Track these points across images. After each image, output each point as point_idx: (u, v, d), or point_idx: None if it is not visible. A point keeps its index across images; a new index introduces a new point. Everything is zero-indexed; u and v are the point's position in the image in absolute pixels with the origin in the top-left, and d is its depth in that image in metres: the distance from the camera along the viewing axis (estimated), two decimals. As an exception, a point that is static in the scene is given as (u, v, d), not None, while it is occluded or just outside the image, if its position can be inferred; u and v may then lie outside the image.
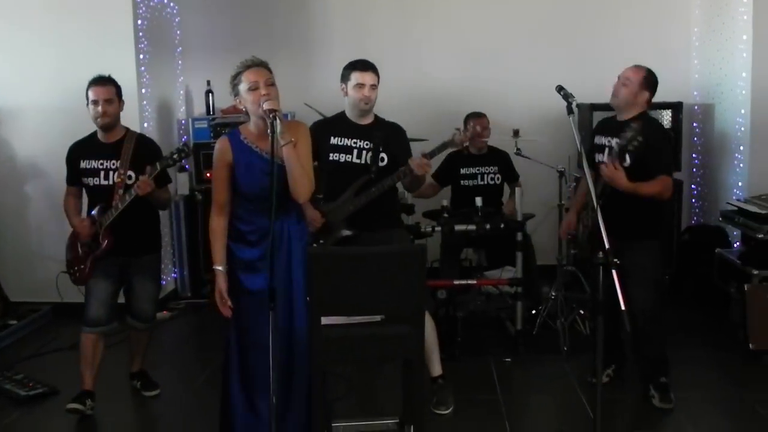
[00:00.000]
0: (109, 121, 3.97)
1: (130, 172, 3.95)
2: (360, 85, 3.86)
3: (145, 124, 5.74)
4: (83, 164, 4.01)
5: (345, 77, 3.92)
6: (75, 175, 4.07)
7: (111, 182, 3.96)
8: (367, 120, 3.98)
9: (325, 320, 3.06)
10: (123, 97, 4.07)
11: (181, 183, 6.25)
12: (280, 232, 3.23)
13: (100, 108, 3.91)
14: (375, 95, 3.91)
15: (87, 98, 3.94)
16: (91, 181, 4.01)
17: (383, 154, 3.93)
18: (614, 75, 6.11)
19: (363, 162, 3.91)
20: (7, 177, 5.79)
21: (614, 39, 6.32)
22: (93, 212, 3.98)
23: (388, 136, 3.96)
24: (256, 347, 3.18)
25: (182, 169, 6.29)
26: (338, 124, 3.98)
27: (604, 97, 5.88)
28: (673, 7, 6.36)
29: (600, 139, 4.04)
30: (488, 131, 5.28)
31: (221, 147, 3.25)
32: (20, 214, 5.82)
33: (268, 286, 2.80)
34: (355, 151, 3.91)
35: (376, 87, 3.91)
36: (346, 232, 3.88)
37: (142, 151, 4.02)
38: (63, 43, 5.57)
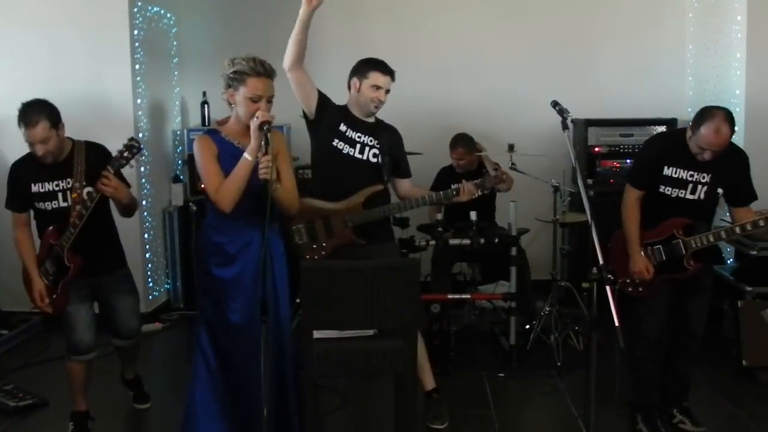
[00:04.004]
0: (54, 158, 3.66)
1: (88, 189, 3.64)
2: (378, 87, 3.78)
3: (140, 135, 5.73)
4: (35, 188, 3.70)
5: (361, 73, 3.81)
6: (26, 200, 3.76)
7: (69, 203, 3.70)
8: (370, 118, 3.91)
9: (317, 334, 3.05)
10: (63, 119, 3.68)
11: (175, 194, 6.24)
12: (260, 243, 3.16)
13: (37, 151, 3.59)
14: (386, 100, 3.86)
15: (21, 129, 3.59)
16: (49, 205, 3.71)
17: (386, 157, 3.89)
18: (609, 91, 6.23)
19: (365, 158, 3.81)
20: (1, 188, 5.76)
21: (610, 55, 6.38)
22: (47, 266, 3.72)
23: (390, 138, 3.93)
24: (228, 331, 3.17)
25: (176, 180, 6.28)
26: (346, 113, 3.87)
27: (599, 113, 5.99)
28: (667, 25, 6.40)
29: (678, 172, 3.59)
30: (467, 158, 5.34)
31: (204, 142, 3.19)
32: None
33: (261, 299, 2.77)
34: (358, 146, 3.81)
35: (389, 92, 3.85)
36: (357, 240, 3.80)
37: (93, 161, 3.72)
38: (58, 53, 5.56)
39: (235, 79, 3.12)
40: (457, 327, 5.13)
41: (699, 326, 3.73)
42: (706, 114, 3.47)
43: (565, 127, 3.13)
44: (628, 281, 3.72)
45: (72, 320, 3.78)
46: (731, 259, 5.45)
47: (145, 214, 5.88)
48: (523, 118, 6.17)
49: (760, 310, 4.57)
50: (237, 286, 3.15)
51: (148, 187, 5.93)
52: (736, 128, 3.57)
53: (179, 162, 6.36)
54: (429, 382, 4.06)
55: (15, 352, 5.25)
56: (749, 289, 4.71)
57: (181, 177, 6.31)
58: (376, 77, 3.78)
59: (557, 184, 5.07)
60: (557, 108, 3.20)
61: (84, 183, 3.69)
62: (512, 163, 5.06)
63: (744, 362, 4.52)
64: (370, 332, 3.17)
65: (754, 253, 4.77)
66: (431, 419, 3.96)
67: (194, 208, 6.14)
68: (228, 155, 3.14)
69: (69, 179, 3.70)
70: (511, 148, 5.04)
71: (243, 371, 3.14)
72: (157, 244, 6.15)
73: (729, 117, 3.47)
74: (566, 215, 5.21)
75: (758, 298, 4.67)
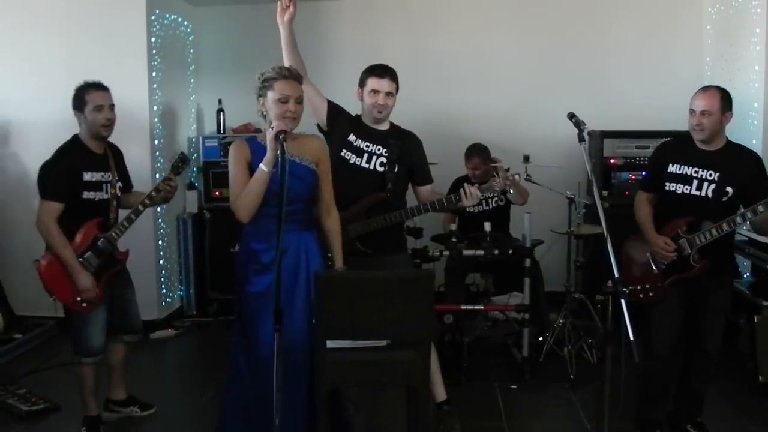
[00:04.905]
0: (112, 130, 3.82)
1: (119, 184, 3.90)
2: (375, 92, 3.75)
3: (155, 141, 5.76)
4: (87, 176, 3.73)
5: (361, 81, 3.81)
6: (73, 190, 3.70)
7: (108, 195, 3.82)
8: (383, 126, 3.88)
9: (330, 344, 3.04)
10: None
11: (189, 201, 6.26)
12: (297, 249, 3.20)
13: (107, 114, 3.76)
14: (392, 103, 3.79)
15: (83, 103, 3.74)
16: (96, 195, 3.77)
17: (397, 165, 3.83)
18: (625, 102, 6.20)
19: (372, 168, 3.79)
20: (16, 191, 5.81)
21: (626, 66, 6.36)
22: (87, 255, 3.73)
23: (404, 145, 3.86)
24: (260, 340, 3.15)
25: (191, 187, 6.30)
26: (357, 123, 3.87)
27: (615, 125, 5.96)
28: (684, 36, 6.37)
29: (683, 169, 3.62)
30: (482, 168, 5.30)
31: (238, 147, 3.21)
32: (29, 228, 5.73)
33: (274, 310, 2.75)
34: (366, 155, 3.79)
35: (392, 95, 3.79)
36: (362, 249, 3.75)
37: (118, 158, 3.97)
38: (76, 59, 5.60)
39: (264, 86, 3.16)
40: (469, 338, 5.11)
41: (713, 344, 3.68)
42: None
43: (581, 139, 3.11)
44: (639, 288, 3.69)
45: (90, 321, 3.80)
46: (748, 273, 5.40)
47: (160, 221, 5.90)
48: (539, 129, 6.17)
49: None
50: (271, 294, 3.13)
51: (161, 209, 5.94)
52: (733, 108, 3.59)
53: (194, 169, 6.39)
54: (440, 393, 4.02)
55: (28, 356, 5.27)
56: (766, 303, 4.65)
57: (196, 184, 6.33)
58: (371, 82, 3.77)
59: (572, 196, 5.05)
60: (574, 120, 3.18)
61: (116, 178, 3.86)
62: (527, 174, 5.04)
63: (760, 378, 4.46)
64: (383, 343, 3.15)
65: (771, 267, 4.73)
66: (443, 431, 3.93)
67: (208, 215, 6.17)
68: (261, 160, 3.13)
69: (109, 173, 3.82)
70: (526, 159, 5.03)
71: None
72: (171, 251, 6.16)
73: (720, 88, 3.57)
74: (581, 227, 5.19)
75: (775, 312, 4.63)
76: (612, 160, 5.92)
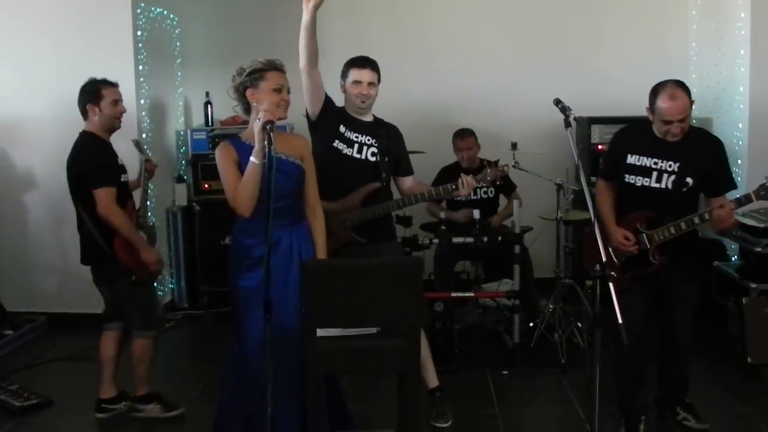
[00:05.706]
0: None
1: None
2: (357, 82, 3.79)
3: (143, 135, 5.74)
4: (119, 161, 4.00)
5: (343, 73, 3.86)
6: (115, 173, 3.94)
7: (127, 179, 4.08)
8: (367, 118, 3.91)
9: (320, 332, 3.05)
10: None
11: (178, 194, 6.25)
12: (290, 243, 3.22)
13: (121, 109, 4.00)
14: (374, 93, 3.83)
15: (99, 97, 3.92)
16: (127, 178, 4.06)
17: (385, 156, 3.87)
18: (612, 88, 6.21)
19: (363, 158, 3.82)
20: (4, 186, 5.78)
21: (613, 52, 6.37)
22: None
23: (389, 136, 3.91)
24: (255, 334, 3.14)
25: (180, 180, 6.29)
26: (344, 114, 3.89)
27: (602, 110, 5.97)
28: (671, 22, 6.39)
29: (642, 160, 3.59)
30: (475, 149, 5.35)
31: (223, 149, 3.20)
32: (18, 224, 5.81)
33: (264, 299, 2.76)
34: (356, 146, 3.82)
35: (374, 85, 3.83)
36: (357, 239, 3.78)
37: None
38: (62, 53, 5.57)
39: (255, 78, 3.17)
40: (460, 325, 5.12)
41: (684, 334, 3.66)
42: (656, 88, 3.51)
43: (567, 125, 3.13)
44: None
45: (150, 295, 4.09)
46: (735, 256, 5.44)
47: (149, 214, 5.88)
48: (526, 116, 6.17)
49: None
50: (259, 297, 3.14)
51: (151, 187, 5.91)
52: (695, 99, 3.55)
53: (183, 162, 6.38)
54: (432, 380, 4.05)
55: (19, 352, 5.25)
56: (754, 286, 4.68)
57: (185, 177, 6.32)
58: (353, 73, 3.82)
59: (560, 182, 5.06)
60: (560, 106, 3.20)
61: None
62: (515, 161, 5.05)
63: (749, 359, 4.50)
64: (373, 330, 3.16)
65: (759, 250, 4.75)
66: (435, 417, 3.96)
67: (198, 208, 6.16)
68: (249, 158, 3.12)
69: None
70: (514, 146, 5.04)
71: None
72: (161, 244, 6.14)
73: (680, 83, 3.48)
74: (569, 213, 5.20)
75: (763, 295, 4.65)
76: (600, 146, 5.91)
